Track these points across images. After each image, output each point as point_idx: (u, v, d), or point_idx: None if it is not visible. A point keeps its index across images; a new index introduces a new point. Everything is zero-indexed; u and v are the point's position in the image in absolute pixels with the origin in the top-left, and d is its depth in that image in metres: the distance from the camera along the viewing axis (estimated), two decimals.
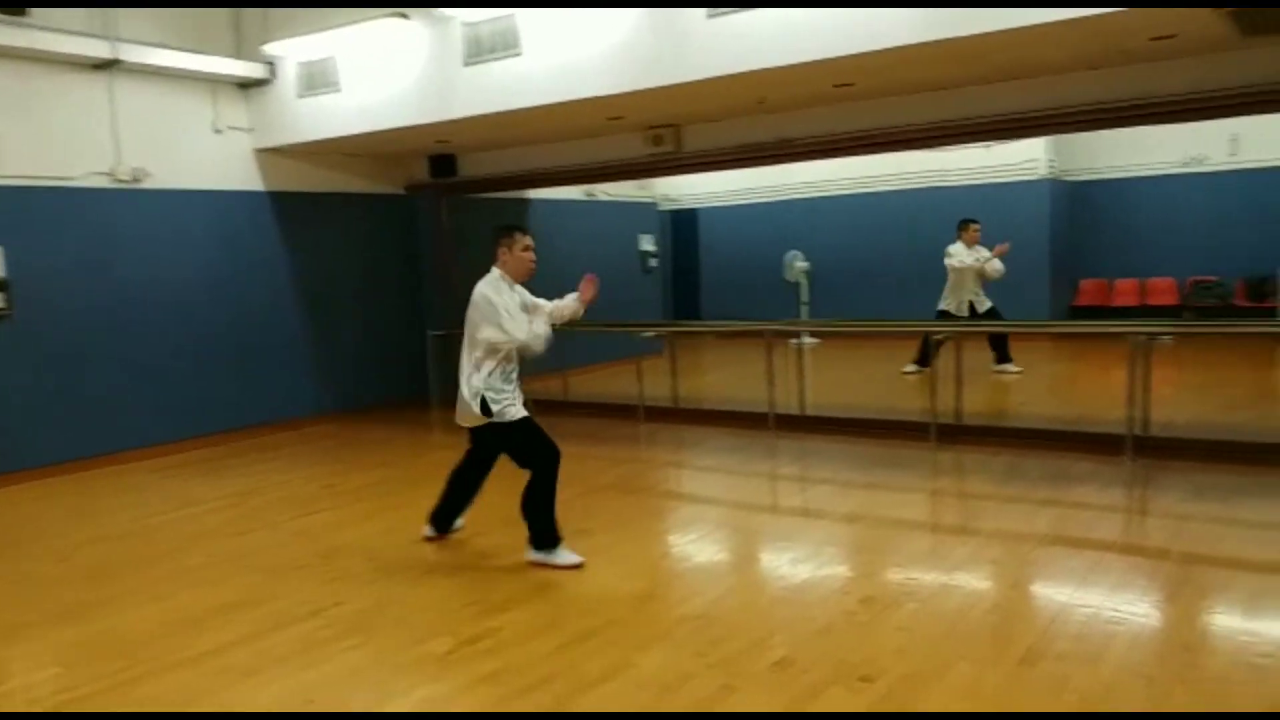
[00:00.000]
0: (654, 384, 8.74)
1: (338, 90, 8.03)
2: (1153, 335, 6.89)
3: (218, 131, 8.58)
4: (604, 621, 4.10)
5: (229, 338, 8.70)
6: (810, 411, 8.26)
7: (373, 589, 4.64)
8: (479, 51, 7.12)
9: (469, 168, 9.96)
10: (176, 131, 8.29)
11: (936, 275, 13.07)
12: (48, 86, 7.42)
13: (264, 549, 5.43)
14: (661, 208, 15.32)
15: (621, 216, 13.24)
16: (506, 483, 6.90)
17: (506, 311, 4.69)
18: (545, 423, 4.96)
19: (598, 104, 6.98)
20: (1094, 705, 3.16)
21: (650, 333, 10.11)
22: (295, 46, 8.04)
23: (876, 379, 10.61)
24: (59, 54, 7.30)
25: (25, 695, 3.67)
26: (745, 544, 5.40)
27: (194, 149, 8.42)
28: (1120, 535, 5.29)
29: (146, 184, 8.04)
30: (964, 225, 10.04)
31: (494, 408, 4.69)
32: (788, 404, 8.19)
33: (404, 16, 7.26)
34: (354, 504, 6.39)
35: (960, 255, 9.83)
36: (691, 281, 15.91)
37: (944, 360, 7.49)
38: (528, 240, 4.87)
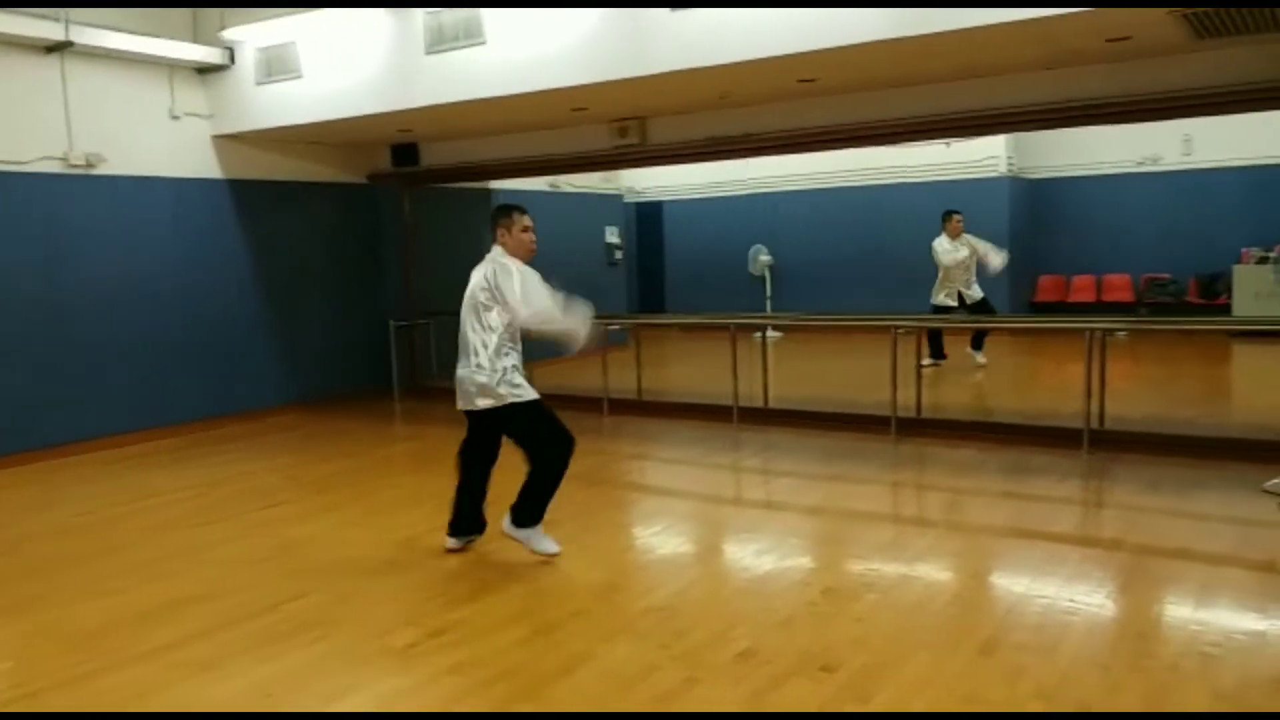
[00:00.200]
0: (618, 376, 8.74)
1: (298, 77, 7.91)
2: (1108, 331, 7.02)
3: (175, 117, 8.42)
4: (568, 613, 4.10)
5: (188, 328, 8.55)
6: (774, 404, 8.30)
7: (335, 581, 4.59)
8: (441, 40, 7.06)
9: (431, 157, 9.88)
10: (132, 117, 8.12)
11: (899, 270, 13.19)
12: None
13: (223, 541, 5.36)
14: (627, 200, 15.31)
15: (586, 208, 13.21)
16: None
17: (515, 279, 4.48)
18: None
19: (561, 95, 6.95)
20: (1050, 694, 3.21)
21: (615, 325, 10.10)
22: (254, 32, 7.91)
23: (839, 372, 10.70)
24: (8, 35, 7.12)
25: None
26: (709, 536, 5.43)
27: (150, 135, 8.26)
28: (1076, 527, 5.39)
29: (101, 170, 7.88)
30: (947, 217, 10.11)
31: (509, 389, 4.52)
32: (751, 397, 8.23)
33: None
34: (317, 495, 6.33)
35: (945, 249, 9.88)
36: (656, 274, 15.93)
37: (905, 353, 7.56)
38: (527, 220, 4.70)
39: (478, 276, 4.62)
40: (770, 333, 12.08)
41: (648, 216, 15.89)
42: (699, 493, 6.44)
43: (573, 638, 3.84)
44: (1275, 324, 9.89)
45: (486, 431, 4.77)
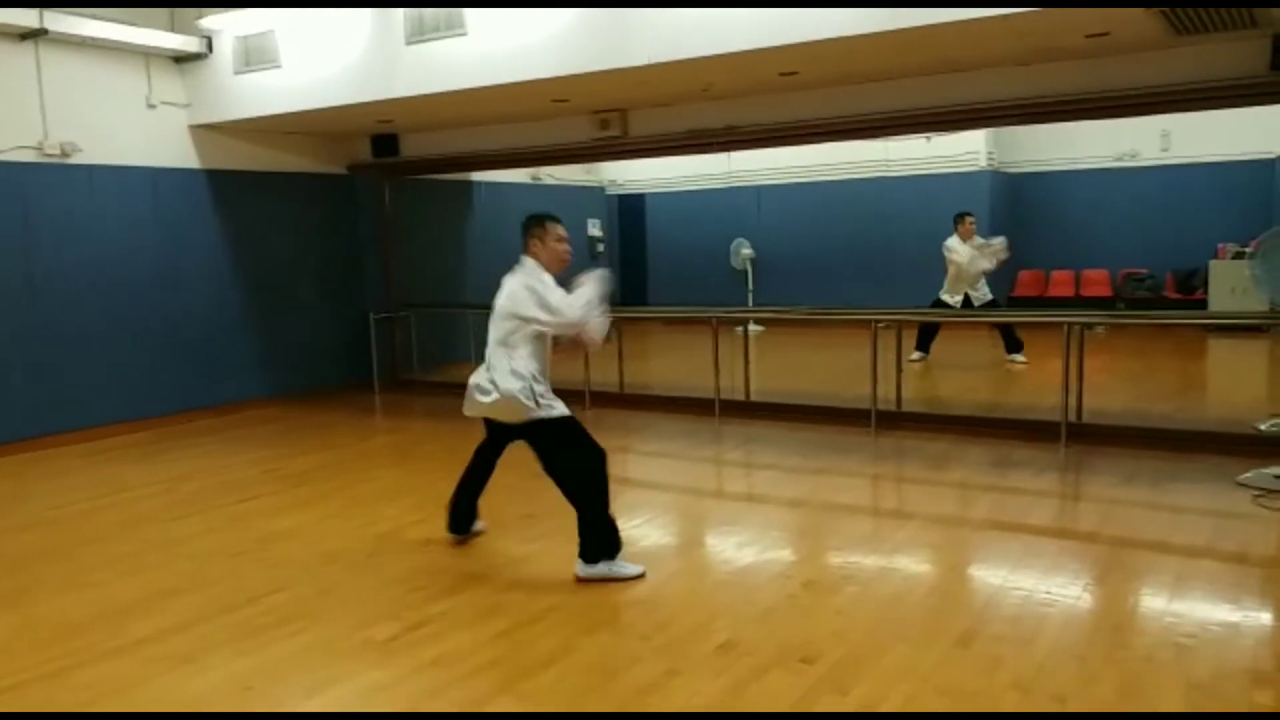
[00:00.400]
0: (600, 369, 8.73)
1: (277, 66, 7.84)
2: (1086, 325, 7.07)
3: (151, 106, 8.33)
4: (548, 606, 4.09)
5: (164, 319, 8.47)
6: (755, 397, 8.32)
7: (314, 575, 4.57)
8: (422, 30, 7.01)
9: (412, 148, 9.83)
10: (108, 105, 8.03)
11: (879, 263, 13.25)
12: None
13: (201, 535, 5.32)
14: (609, 193, 15.29)
15: (568, 201, 13.18)
16: (452, 465, 6.85)
17: (550, 294, 4.34)
18: None
19: (542, 86, 6.93)
20: (1027, 685, 3.24)
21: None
22: (233, 20, 7.84)
23: (820, 366, 10.74)
24: None
25: None
26: (690, 529, 5.44)
27: (126, 124, 8.17)
28: (1054, 520, 5.43)
29: (76, 159, 7.79)
30: (960, 218, 10.10)
31: (540, 402, 4.31)
32: (733, 390, 8.25)
33: None
34: (295, 489, 6.29)
35: (959, 249, 9.90)
36: (639, 267, 15.91)
37: (886, 347, 7.60)
38: (561, 230, 4.53)
39: (508, 290, 4.44)
40: (752, 326, 12.11)
41: (630, 209, 15.87)
42: (681, 485, 6.45)
43: (554, 630, 3.84)
44: (1250, 319, 9.99)
45: (499, 440, 4.68)
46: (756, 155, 12.95)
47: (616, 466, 6.94)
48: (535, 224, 4.53)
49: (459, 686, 3.37)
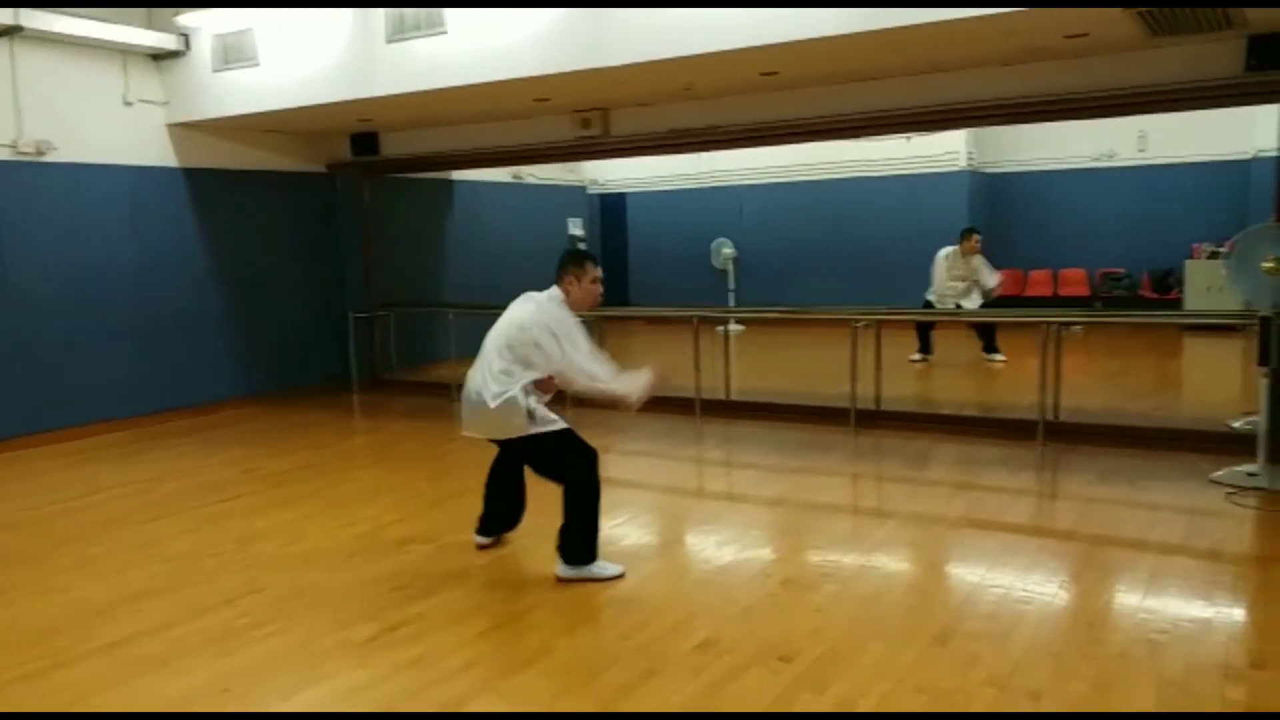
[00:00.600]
0: None
1: (256, 64, 7.79)
2: (1064, 324, 7.12)
3: (128, 104, 8.25)
4: (528, 606, 4.09)
5: (141, 318, 8.40)
6: (736, 397, 8.34)
7: (292, 576, 4.55)
8: (402, 29, 6.99)
9: (392, 147, 9.79)
10: (84, 103, 7.95)
11: (860, 263, 13.31)
12: None
13: (177, 536, 5.27)
14: (590, 192, 15.29)
15: (549, 200, 13.17)
16: (431, 465, 6.84)
17: (575, 351, 4.26)
18: None
19: (523, 85, 6.91)
20: (1002, 682, 3.26)
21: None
22: (211, 18, 7.78)
23: (800, 365, 10.77)
24: None
25: None
26: (671, 528, 5.44)
27: (103, 122, 8.09)
28: (1031, 518, 5.47)
29: (51, 157, 7.71)
30: (965, 235, 10.05)
31: (537, 415, 4.25)
32: (714, 389, 8.26)
33: None
34: (273, 489, 6.25)
35: (943, 270, 9.92)
36: (620, 267, 15.91)
37: (866, 346, 7.63)
38: (598, 272, 4.43)
39: (523, 315, 4.32)
40: (733, 325, 12.15)
41: (611, 208, 15.87)
42: (661, 485, 6.46)
43: (532, 630, 3.84)
44: (1225, 318, 10.09)
45: (510, 454, 4.58)
46: (738, 155, 12.99)
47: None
48: (575, 261, 4.44)
49: (438, 687, 3.36)
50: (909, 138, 12.40)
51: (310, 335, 9.95)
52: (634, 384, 4.35)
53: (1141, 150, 13.00)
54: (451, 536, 4.95)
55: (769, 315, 11.00)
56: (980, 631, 3.69)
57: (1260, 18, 5.42)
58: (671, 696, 3.24)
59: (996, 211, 13.82)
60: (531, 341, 4.24)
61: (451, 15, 6.75)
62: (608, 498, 5.74)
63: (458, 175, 11.62)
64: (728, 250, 14.00)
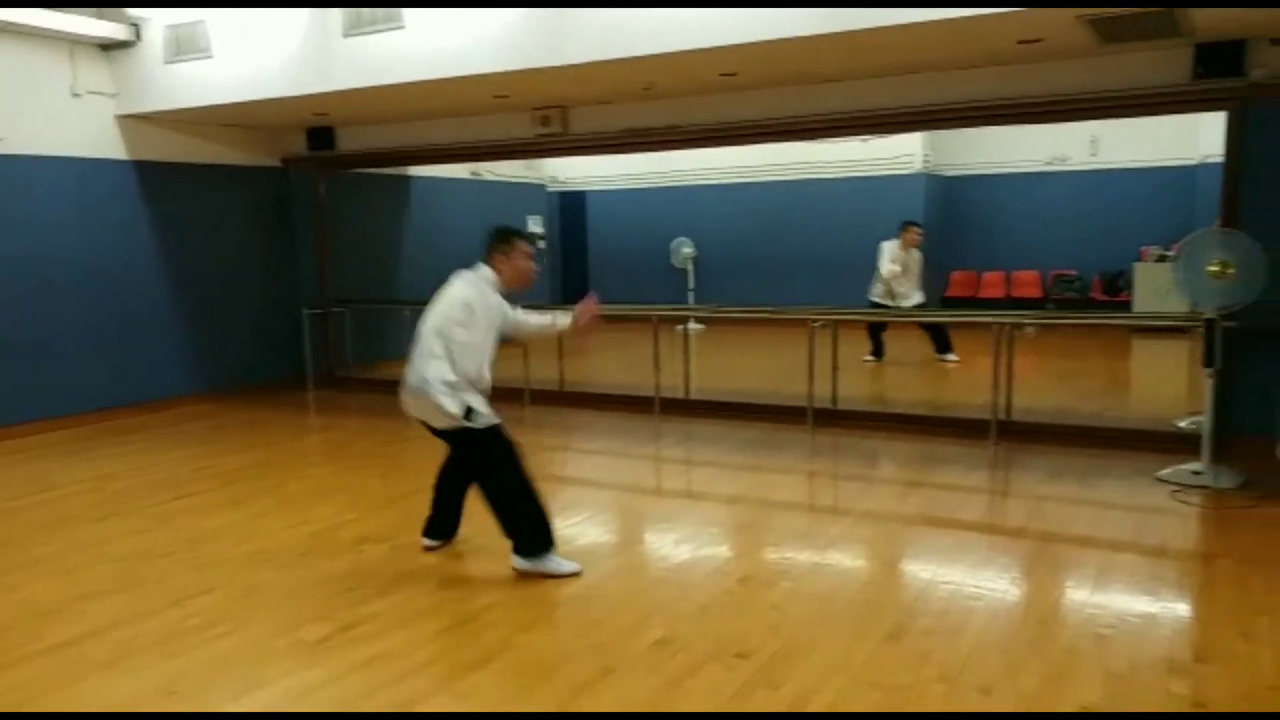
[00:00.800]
0: (539, 367, 8.70)
1: (209, 56, 7.65)
2: (1016, 325, 7.24)
3: (76, 95, 8.07)
4: (484, 605, 4.07)
5: (90, 313, 8.22)
6: (695, 395, 8.37)
7: (244, 575, 4.48)
8: (359, 23, 6.91)
9: (348, 141, 9.67)
10: (30, 94, 7.76)
11: (818, 263, 13.41)
12: None
13: (126, 535, 5.18)
14: (550, 189, 15.24)
15: (508, 197, 13.11)
16: (386, 463, 6.78)
17: (464, 326, 4.22)
18: None
19: (482, 82, 6.87)
20: (953, 677, 3.31)
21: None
22: (162, 8, 7.63)
23: (759, 364, 10.83)
24: None
25: None
26: (629, 526, 5.45)
27: (50, 113, 7.90)
28: (983, 515, 5.55)
29: None
30: (904, 228, 10.14)
31: (469, 411, 4.22)
32: (673, 388, 8.28)
33: None
34: (226, 487, 6.16)
35: (888, 260, 10.00)
36: (579, 265, 15.89)
37: (823, 346, 7.69)
38: (527, 247, 4.49)
39: (455, 295, 4.30)
40: (693, 325, 12.18)
41: (571, 207, 15.83)
42: (620, 483, 6.46)
43: (489, 629, 3.82)
44: (1172, 320, 10.32)
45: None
46: (698, 155, 13.03)
47: (555, 465, 6.95)
48: (503, 239, 4.45)
49: (393, 686, 3.34)
50: (865, 139, 12.52)
51: (265, 331, 9.80)
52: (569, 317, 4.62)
53: (1093, 155, 13.25)
54: (406, 536, 4.91)
55: (728, 314, 11.03)
56: (932, 628, 3.74)
57: (1206, 26, 5.55)
58: (628, 694, 3.25)
59: (951, 214, 14.01)
60: (453, 314, 4.25)
61: (409, 11, 6.68)
62: (566, 496, 5.74)
63: (415, 171, 11.53)
64: (687, 249, 14.04)
